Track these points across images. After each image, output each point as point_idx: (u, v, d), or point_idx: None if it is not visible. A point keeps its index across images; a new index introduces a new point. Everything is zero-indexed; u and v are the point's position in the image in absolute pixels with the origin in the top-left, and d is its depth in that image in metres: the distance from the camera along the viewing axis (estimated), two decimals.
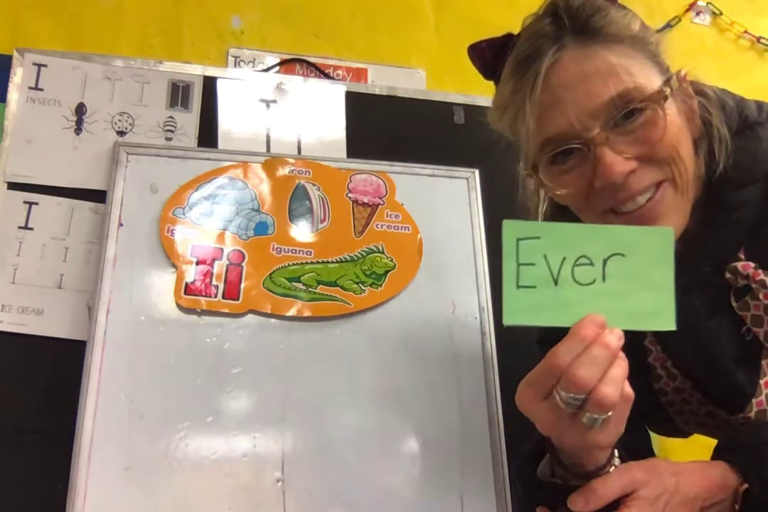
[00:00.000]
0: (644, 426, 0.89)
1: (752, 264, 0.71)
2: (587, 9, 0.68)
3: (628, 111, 0.65)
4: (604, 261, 0.60)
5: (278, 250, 1.17)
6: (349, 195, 1.25)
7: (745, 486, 0.66)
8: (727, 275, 0.73)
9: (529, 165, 0.73)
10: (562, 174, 0.70)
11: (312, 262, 1.18)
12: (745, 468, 0.67)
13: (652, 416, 0.86)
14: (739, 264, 0.72)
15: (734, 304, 0.73)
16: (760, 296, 0.70)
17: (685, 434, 0.90)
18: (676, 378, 0.83)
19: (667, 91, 0.66)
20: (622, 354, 0.59)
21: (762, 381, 0.74)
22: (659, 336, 0.82)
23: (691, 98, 0.71)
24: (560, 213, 0.82)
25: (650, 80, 0.67)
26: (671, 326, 0.62)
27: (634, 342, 0.82)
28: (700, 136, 0.72)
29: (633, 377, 0.80)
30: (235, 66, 1.45)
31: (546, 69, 0.67)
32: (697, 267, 0.74)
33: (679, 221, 0.70)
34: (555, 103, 0.67)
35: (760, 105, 0.76)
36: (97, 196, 1.17)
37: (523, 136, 0.72)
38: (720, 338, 0.75)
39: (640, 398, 0.79)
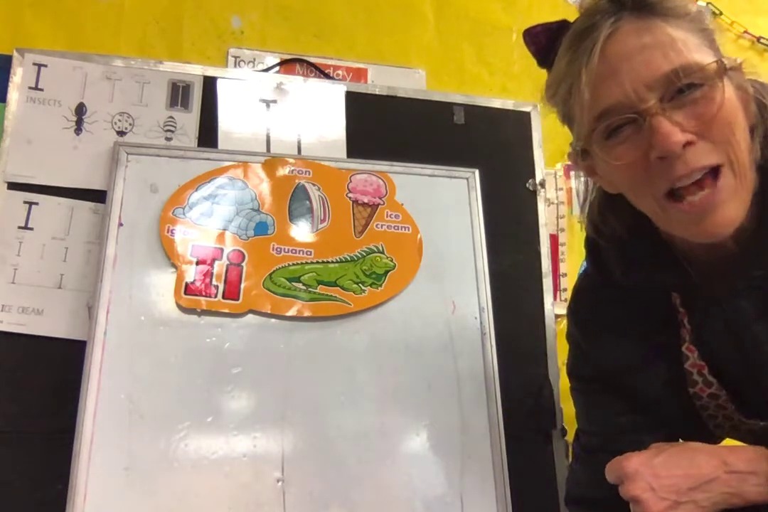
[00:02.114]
0: (675, 434, 0.86)
1: None
2: None
3: (685, 84, 0.64)
4: None
5: (278, 249, 1.17)
6: (349, 195, 1.25)
7: None
8: None
9: (581, 140, 0.71)
10: (616, 146, 0.68)
11: (312, 262, 1.18)
12: None
13: (685, 420, 0.84)
14: None
15: None
16: None
17: (716, 439, 0.88)
18: (712, 385, 0.81)
19: (727, 64, 0.65)
20: None
21: None
22: (701, 340, 0.79)
23: (746, 82, 0.69)
24: (610, 207, 0.79)
25: (708, 58, 0.65)
26: None
27: (672, 348, 0.81)
28: (756, 123, 0.69)
29: (668, 381, 0.80)
30: (235, 66, 1.45)
31: (603, 39, 0.65)
32: (749, 271, 0.72)
33: (740, 210, 0.68)
34: (612, 74, 0.65)
35: None
36: (97, 196, 1.17)
37: (576, 111, 0.70)
38: (766, 343, 0.73)
39: (674, 402, 0.80)
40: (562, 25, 0.73)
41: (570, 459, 1.26)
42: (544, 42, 0.75)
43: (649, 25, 0.66)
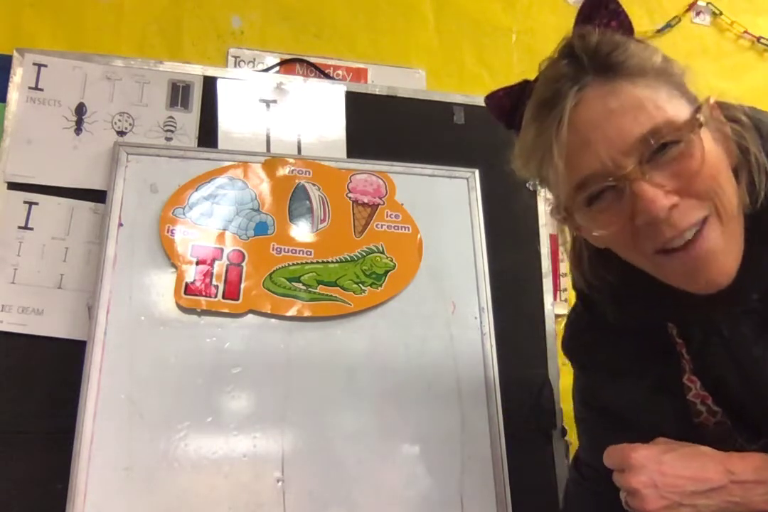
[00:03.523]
0: None
1: None
2: (605, 45, 0.65)
3: (661, 144, 0.62)
4: None
5: (278, 250, 1.17)
6: (349, 195, 1.25)
7: None
8: None
9: (562, 209, 0.69)
10: (599, 214, 0.66)
11: (312, 262, 1.18)
12: None
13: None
14: None
15: None
16: None
17: None
18: (717, 414, 0.80)
19: (701, 118, 0.63)
20: None
21: None
22: (703, 368, 0.78)
23: (724, 125, 0.68)
24: (600, 258, 0.77)
25: (679, 111, 0.64)
26: None
27: (673, 380, 0.79)
28: (739, 164, 0.68)
29: (673, 414, 0.78)
30: (235, 66, 1.45)
31: (570, 109, 0.64)
32: (745, 296, 0.71)
33: (734, 258, 0.66)
34: (583, 144, 0.64)
35: None
36: (97, 196, 1.17)
37: (552, 181, 0.69)
38: (766, 363, 0.73)
39: (682, 435, 0.77)
40: (523, 87, 0.72)
41: (570, 460, 1.26)
42: (507, 106, 0.74)
43: (614, 88, 0.64)
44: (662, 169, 0.63)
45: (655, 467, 0.66)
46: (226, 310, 1.12)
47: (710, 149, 0.63)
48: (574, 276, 0.82)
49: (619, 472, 0.69)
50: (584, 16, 0.68)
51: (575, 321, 0.90)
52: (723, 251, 0.65)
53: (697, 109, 0.64)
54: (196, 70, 1.30)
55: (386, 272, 1.21)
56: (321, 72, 1.49)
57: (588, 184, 0.65)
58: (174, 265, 1.12)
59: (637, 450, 0.68)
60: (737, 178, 0.67)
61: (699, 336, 0.76)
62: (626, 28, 0.68)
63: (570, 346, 0.91)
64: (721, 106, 0.68)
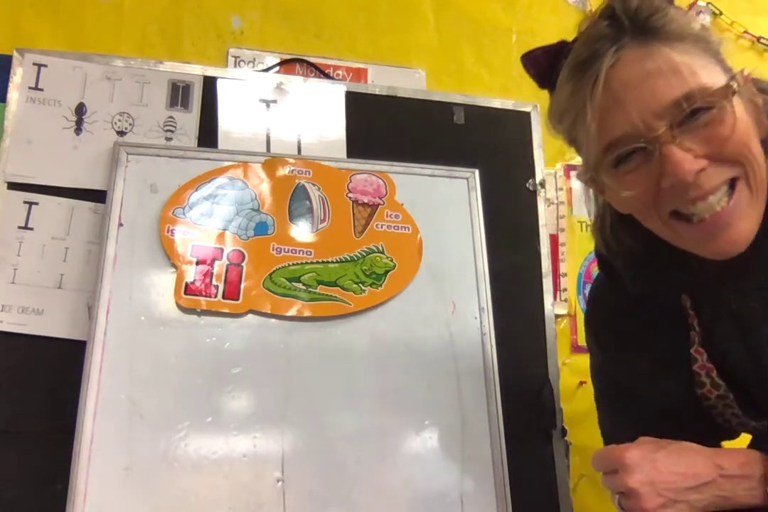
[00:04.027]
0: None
1: None
2: (645, 8, 0.66)
3: (693, 109, 0.63)
4: None
5: (278, 250, 1.17)
6: (349, 195, 1.25)
7: None
8: None
9: (590, 169, 0.70)
10: (626, 175, 0.67)
11: (312, 262, 1.18)
12: None
13: (696, 421, 0.84)
14: None
15: None
16: None
17: (726, 435, 0.88)
18: (720, 387, 0.81)
19: (735, 86, 0.64)
20: None
21: None
22: (711, 341, 0.79)
23: (756, 96, 0.68)
24: (622, 222, 0.78)
25: (715, 78, 0.64)
26: None
27: (681, 351, 0.81)
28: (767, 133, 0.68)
29: (677, 384, 0.80)
30: (235, 66, 1.45)
31: (606, 69, 0.64)
32: (758, 272, 0.71)
33: (753, 225, 0.67)
34: (617, 104, 0.64)
35: None
36: (97, 196, 1.17)
37: (582, 141, 0.69)
38: None
39: (686, 406, 0.80)
40: (562, 47, 0.72)
41: (569, 460, 1.26)
42: (545, 65, 0.74)
43: (651, 51, 0.64)
44: (693, 134, 0.63)
45: (650, 465, 0.66)
46: (226, 310, 1.12)
47: (741, 117, 0.64)
48: (595, 241, 0.83)
49: (611, 474, 0.69)
50: None
51: (596, 289, 0.91)
52: (743, 217, 0.65)
53: (732, 77, 0.65)
54: (196, 70, 1.30)
55: (386, 272, 1.21)
56: (321, 72, 1.49)
57: (618, 145, 0.65)
58: (174, 265, 1.12)
59: (630, 450, 0.68)
60: (765, 147, 0.67)
61: (709, 309, 0.77)
62: None
63: (589, 316, 0.93)
64: (754, 79, 0.69)
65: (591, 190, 0.78)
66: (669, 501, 0.66)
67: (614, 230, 0.80)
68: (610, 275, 0.85)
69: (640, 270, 0.79)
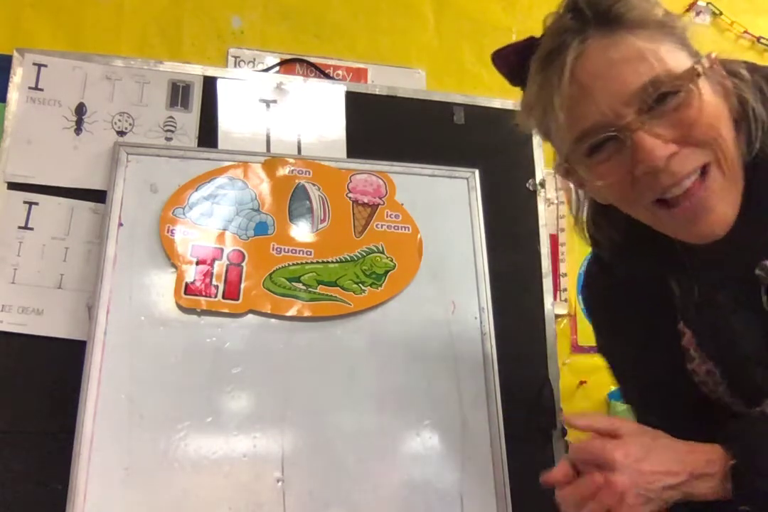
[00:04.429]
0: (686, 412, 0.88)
1: None
2: None
3: (661, 94, 0.63)
4: None
5: (278, 249, 1.17)
6: (349, 195, 1.25)
7: (732, 462, 0.67)
8: (757, 272, 0.69)
9: (563, 160, 0.71)
10: (599, 165, 0.68)
11: (312, 262, 1.18)
12: (735, 449, 0.67)
13: (689, 394, 0.86)
14: None
15: (765, 301, 0.71)
16: None
17: (722, 412, 0.88)
18: (708, 362, 0.82)
19: (699, 69, 0.64)
20: None
21: None
22: (688, 324, 0.81)
23: (725, 78, 0.68)
24: (602, 214, 0.79)
25: (680, 63, 0.65)
26: None
27: (669, 325, 0.82)
28: (739, 116, 0.69)
29: (668, 358, 0.82)
30: (235, 66, 1.45)
31: (572, 60, 0.65)
32: (726, 263, 0.72)
33: (731, 209, 0.67)
34: (585, 95, 0.65)
35: None
36: (97, 196, 1.17)
37: (554, 132, 0.70)
38: (742, 334, 0.74)
39: (675, 377, 0.82)
40: (530, 43, 0.72)
41: None
42: (515, 62, 0.75)
43: (615, 40, 0.65)
44: (662, 119, 0.64)
45: (634, 466, 0.67)
46: (226, 310, 1.12)
47: (709, 100, 0.64)
48: (578, 233, 0.85)
49: (593, 469, 0.69)
50: None
51: (588, 269, 0.94)
52: (721, 200, 0.66)
53: (698, 61, 0.65)
54: (196, 70, 1.30)
55: (386, 272, 1.21)
56: (321, 72, 1.49)
57: (589, 135, 0.66)
58: (174, 265, 1.12)
59: (614, 449, 0.68)
60: (737, 130, 0.67)
61: (683, 296, 0.79)
62: None
63: (584, 294, 0.95)
64: (723, 61, 0.69)
65: (571, 184, 0.79)
66: (646, 500, 0.67)
67: (595, 222, 0.81)
68: (598, 257, 0.86)
69: (622, 258, 0.80)
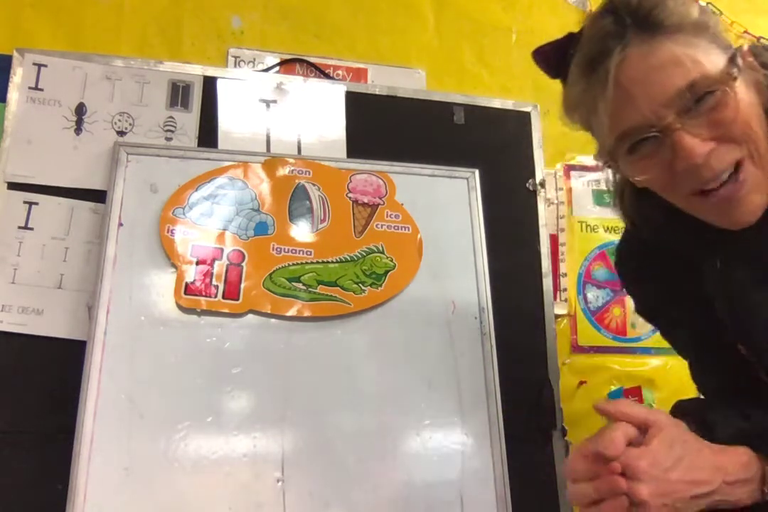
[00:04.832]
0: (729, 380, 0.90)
1: None
2: (645, 3, 0.70)
3: (698, 96, 0.67)
4: None
5: (278, 249, 1.18)
6: (349, 195, 1.25)
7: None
8: None
9: (606, 155, 0.75)
10: (641, 161, 0.72)
11: (312, 262, 1.18)
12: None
13: (731, 364, 0.87)
14: None
15: None
16: None
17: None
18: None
19: (734, 70, 0.68)
20: None
21: None
22: (718, 303, 0.84)
23: (757, 70, 0.72)
24: (645, 198, 0.83)
25: (715, 63, 0.68)
26: None
27: (704, 296, 0.85)
28: None
29: (705, 324, 0.85)
30: (235, 66, 1.45)
31: (615, 67, 0.69)
32: (757, 246, 0.76)
33: (762, 201, 0.72)
34: (627, 99, 0.69)
35: None
36: (97, 196, 1.17)
37: (596, 130, 0.75)
38: (762, 311, 0.77)
39: (715, 349, 0.85)
40: (570, 39, 0.77)
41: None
42: (555, 60, 0.79)
43: (654, 47, 0.69)
44: (700, 119, 0.68)
45: (662, 476, 0.66)
46: (226, 310, 1.12)
47: (743, 97, 0.68)
48: (618, 214, 0.89)
49: (618, 474, 0.68)
50: None
51: (625, 241, 0.97)
52: (754, 191, 0.71)
53: (731, 60, 0.69)
54: (196, 70, 1.30)
55: (386, 272, 1.21)
56: (321, 72, 1.49)
57: (631, 134, 0.70)
58: (174, 265, 1.12)
59: (643, 458, 0.67)
60: None
61: (716, 272, 0.82)
62: None
63: (621, 267, 0.99)
64: (754, 52, 0.73)
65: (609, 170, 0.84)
66: (674, 509, 0.66)
67: (633, 204, 0.85)
68: (634, 235, 0.91)
69: (663, 237, 0.85)
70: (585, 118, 0.76)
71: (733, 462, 0.68)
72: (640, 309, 0.98)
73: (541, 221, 1.38)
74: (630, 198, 0.86)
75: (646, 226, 0.86)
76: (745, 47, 0.72)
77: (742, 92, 0.69)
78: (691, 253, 0.85)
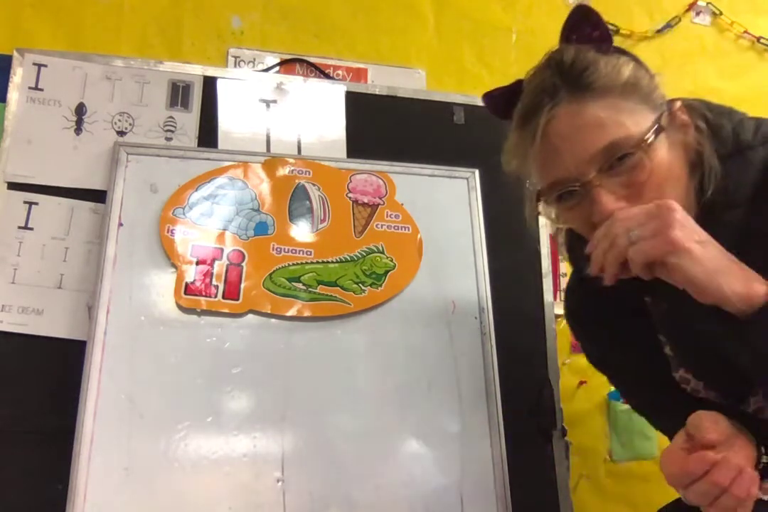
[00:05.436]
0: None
1: None
2: (578, 64, 0.76)
3: (619, 156, 0.73)
4: None
5: (278, 250, 1.18)
6: (349, 195, 1.25)
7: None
8: None
9: (537, 198, 0.82)
10: (567, 211, 0.79)
11: (312, 262, 1.18)
12: None
13: (684, 404, 0.88)
14: None
15: None
16: None
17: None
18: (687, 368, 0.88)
19: (651, 137, 0.73)
20: None
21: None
22: (661, 333, 0.88)
23: (687, 128, 0.78)
24: (577, 238, 0.88)
25: (640, 125, 0.73)
26: None
27: (650, 332, 0.89)
28: (697, 160, 0.78)
29: (654, 365, 0.88)
30: (235, 66, 1.45)
31: (543, 124, 0.76)
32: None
33: None
34: (554, 153, 0.76)
35: (759, 125, 0.78)
36: (97, 196, 1.17)
37: (529, 177, 0.82)
38: (708, 336, 0.78)
39: (666, 387, 0.88)
40: (516, 86, 0.83)
41: (569, 460, 1.26)
42: (502, 104, 0.86)
43: (581, 107, 0.74)
44: (619, 178, 0.74)
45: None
46: (226, 310, 1.12)
47: (661, 160, 0.74)
48: (564, 257, 0.96)
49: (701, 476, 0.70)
50: (569, 29, 0.80)
51: (570, 289, 1.02)
52: None
53: (657, 122, 0.74)
54: (196, 70, 1.30)
55: (386, 272, 1.21)
56: (321, 72, 1.49)
57: (558, 185, 0.77)
58: (174, 265, 1.12)
59: (730, 459, 0.69)
60: (693, 170, 0.77)
61: (660, 307, 0.87)
62: (606, 38, 0.79)
63: (565, 306, 1.03)
64: (688, 106, 0.79)
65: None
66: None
67: (572, 245, 0.91)
68: (578, 275, 0.96)
69: (599, 277, 0.88)
70: (519, 166, 0.82)
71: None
72: (593, 362, 1.01)
73: (541, 221, 1.38)
74: (568, 239, 0.92)
75: (585, 267, 0.89)
76: (678, 104, 0.77)
77: (662, 154, 0.73)
78: (630, 290, 0.87)
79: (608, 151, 0.73)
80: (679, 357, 0.87)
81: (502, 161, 0.87)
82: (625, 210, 0.71)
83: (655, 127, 0.73)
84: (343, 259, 1.20)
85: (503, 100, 0.85)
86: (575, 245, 0.90)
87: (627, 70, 0.76)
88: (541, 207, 0.82)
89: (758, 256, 0.72)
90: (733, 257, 0.68)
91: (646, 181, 0.73)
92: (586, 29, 0.79)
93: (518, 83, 0.83)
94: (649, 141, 0.73)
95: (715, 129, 0.78)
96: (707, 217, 0.75)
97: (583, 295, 0.98)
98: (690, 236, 0.67)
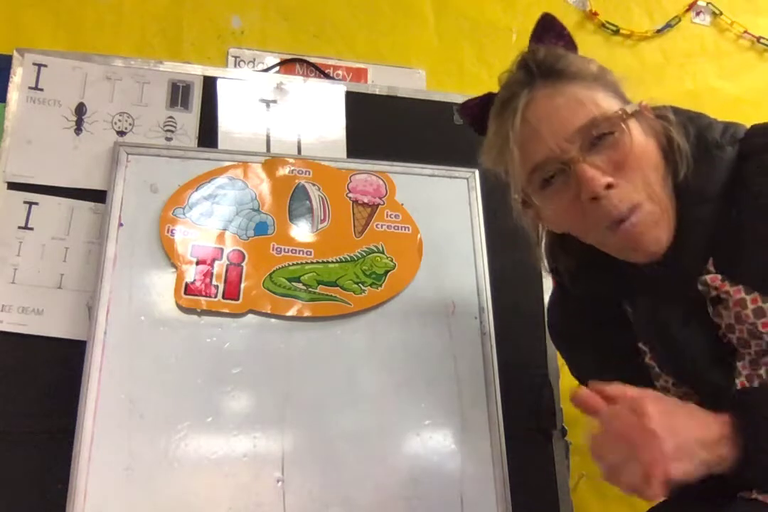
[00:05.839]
0: None
1: (719, 277, 0.76)
2: (550, 57, 0.79)
3: (599, 134, 0.74)
4: None
5: (278, 250, 1.18)
6: (349, 195, 1.25)
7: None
8: (700, 287, 0.78)
9: (520, 192, 0.81)
10: (552, 194, 0.78)
11: (312, 262, 1.18)
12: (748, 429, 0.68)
13: None
14: (708, 277, 0.77)
15: (710, 312, 0.78)
16: (730, 305, 0.75)
17: None
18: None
19: (628, 110, 0.75)
20: None
21: (738, 381, 0.78)
22: (643, 341, 0.88)
23: (655, 121, 0.79)
24: (558, 245, 0.89)
25: (613, 107, 0.76)
26: None
27: (629, 345, 0.89)
28: (667, 151, 0.79)
29: (636, 377, 0.84)
30: (235, 66, 1.45)
31: (522, 106, 0.77)
32: (670, 281, 0.79)
33: (666, 231, 0.77)
34: (535, 135, 0.76)
35: (727, 127, 0.80)
36: (97, 196, 1.17)
37: (510, 169, 0.81)
38: (695, 343, 0.80)
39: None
40: (490, 97, 0.85)
41: (569, 460, 1.26)
42: (477, 113, 0.87)
43: (558, 89, 0.76)
44: (600, 155, 0.75)
45: (666, 419, 0.68)
46: (226, 310, 1.12)
47: (638, 139, 0.75)
48: (545, 269, 0.95)
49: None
50: (536, 38, 0.85)
51: (553, 304, 1.03)
52: (655, 228, 0.76)
53: (626, 106, 0.76)
54: (196, 70, 1.30)
55: (386, 272, 1.21)
56: (321, 72, 1.49)
57: (540, 168, 0.77)
58: (174, 265, 1.12)
59: (647, 402, 0.68)
60: (667, 160, 0.78)
61: (639, 313, 0.87)
62: (570, 47, 0.83)
63: (548, 322, 1.05)
64: (653, 107, 0.81)
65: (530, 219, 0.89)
66: (681, 455, 0.66)
67: (553, 253, 0.91)
68: (560, 285, 0.96)
69: (579, 284, 0.90)
70: (498, 158, 0.82)
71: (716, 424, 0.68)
72: (576, 375, 1.03)
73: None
74: (549, 247, 0.91)
75: (566, 275, 0.91)
76: (643, 102, 0.79)
77: (638, 134, 0.75)
78: (610, 297, 0.89)
79: (588, 128, 0.74)
80: (658, 365, 0.87)
81: (482, 157, 0.87)
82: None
83: (626, 112, 0.75)
84: (343, 259, 1.20)
85: (479, 109, 0.87)
86: (557, 259, 0.91)
87: (594, 66, 0.80)
88: (533, 198, 0.80)
89: (734, 248, 0.75)
90: (692, 431, 0.66)
91: (626, 159, 0.74)
92: (551, 39, 0.84)
93: (491, 94, 0.85)
94: (627, 114, 0.75)
95: (683, 121, 0.80)
96: (681, 202, 0.77)
97: (564, 309, 0.99)
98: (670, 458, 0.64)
